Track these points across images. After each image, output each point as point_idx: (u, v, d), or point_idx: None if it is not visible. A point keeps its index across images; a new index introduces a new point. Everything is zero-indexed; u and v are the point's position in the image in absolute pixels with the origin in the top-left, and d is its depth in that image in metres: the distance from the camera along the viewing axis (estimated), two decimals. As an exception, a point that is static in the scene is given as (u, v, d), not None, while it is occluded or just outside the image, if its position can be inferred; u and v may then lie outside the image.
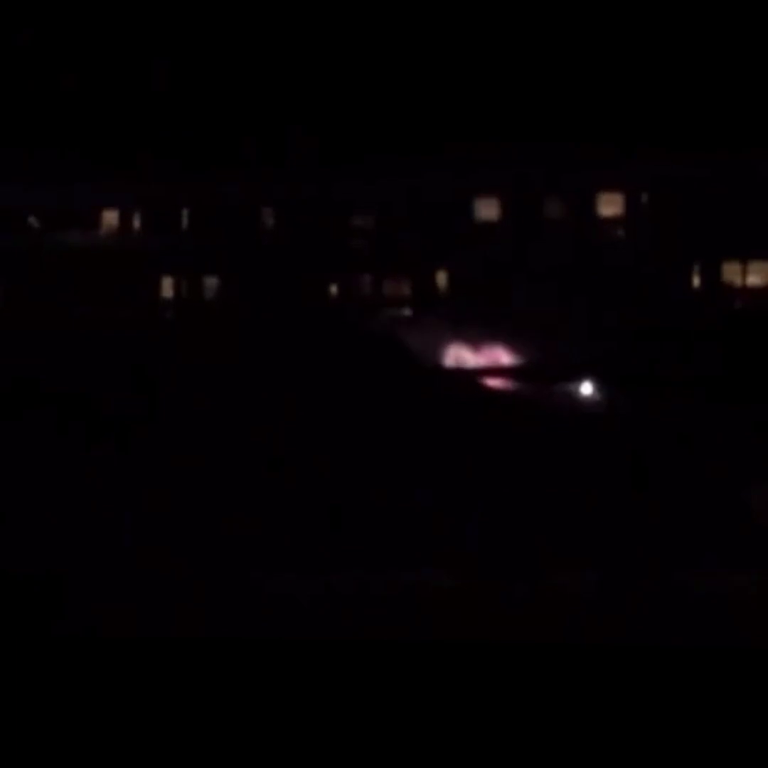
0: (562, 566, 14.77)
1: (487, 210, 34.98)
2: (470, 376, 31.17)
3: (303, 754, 8.03)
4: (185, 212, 35.70)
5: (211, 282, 35.43)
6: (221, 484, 19.00)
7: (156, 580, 14.07)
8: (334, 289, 34.93)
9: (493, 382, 31.06)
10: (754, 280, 34.51)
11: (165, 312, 34.84)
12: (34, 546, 15.51)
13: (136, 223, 35.74)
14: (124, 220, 35.72)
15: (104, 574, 14.46)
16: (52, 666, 9.34)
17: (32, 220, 35.31)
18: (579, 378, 31.23)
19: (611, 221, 34.31)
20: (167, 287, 35.54)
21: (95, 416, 22.38)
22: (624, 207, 34.78)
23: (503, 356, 33.30)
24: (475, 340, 33.13)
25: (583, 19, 32.70)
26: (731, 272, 34.64)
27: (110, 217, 35.66)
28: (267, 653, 9.53)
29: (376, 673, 9.11)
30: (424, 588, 14.52)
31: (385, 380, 27.43)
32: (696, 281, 34.73)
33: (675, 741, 8.04)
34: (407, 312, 34.48)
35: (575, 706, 8.46)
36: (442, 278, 34.35)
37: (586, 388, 31.36)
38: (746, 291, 34.04)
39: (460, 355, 32.43)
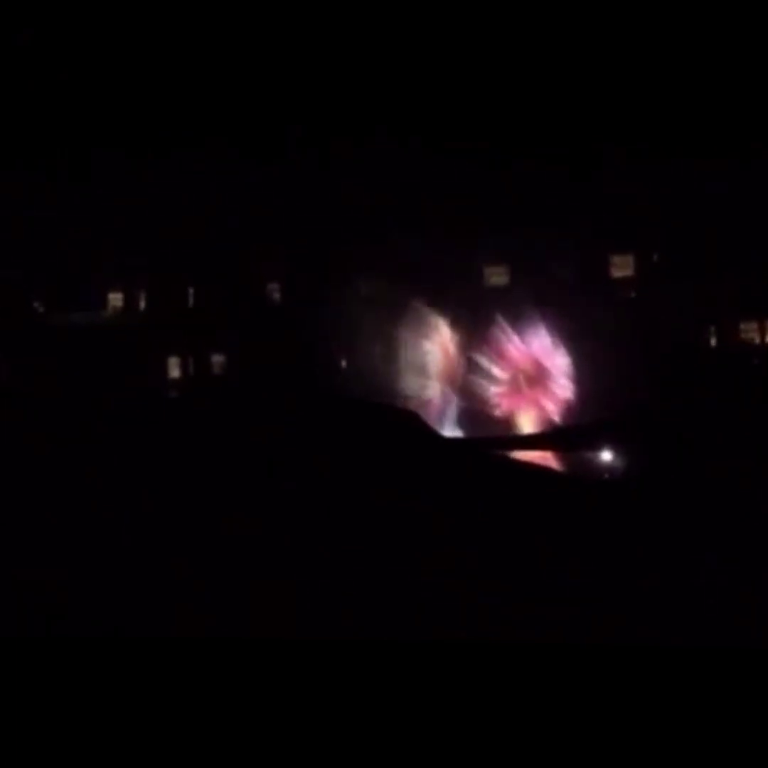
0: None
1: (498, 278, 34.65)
2: (486, 446, 30.51)
3: (303, 755, 7.36)
4: (191, 291, 35.41)
5: (217, 359, 34.99)
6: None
7: (156, 580, 13.52)
8: (344, 363, 34.38)
9: (510, 451, 30.40)
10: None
11: (172, 390, 34.33)
12: (33, 546, 15.03)
13: (142, 303, 35.44)
14: (130, 301, 35.44)
15: (104, 573, 13.91)
16: (52, 666, 8.74)
17: (37, 305, 35.07)
18: (599, 445, 30.51)
19: (623, 282, 33.86)
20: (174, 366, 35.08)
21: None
22: (634, 268, 34.35)
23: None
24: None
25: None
26: (749, 331, 34.02)
27: (115, 298, 35.40)
28: (267, 653, 8.91)
29: (376, 673, 8.45)
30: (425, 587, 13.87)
31: (402, 453, 26.79)
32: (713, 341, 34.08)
33: (674, 742, 7.32)
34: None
35: (575, 707, 7.73)
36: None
37: (606, 455, 30.61)
38: (765, 349, 33.37)
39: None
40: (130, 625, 10.84)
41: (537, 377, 33.29)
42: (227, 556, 15.34)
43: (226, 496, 20.54)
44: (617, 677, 7.52)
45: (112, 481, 19.94)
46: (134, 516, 17.35)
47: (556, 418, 33.06)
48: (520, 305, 32.70)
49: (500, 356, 33.47)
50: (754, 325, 33.95)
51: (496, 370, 33.48)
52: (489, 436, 31.95)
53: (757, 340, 33.91)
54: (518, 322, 33.37)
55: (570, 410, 32.13)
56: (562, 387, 33.06)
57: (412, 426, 27.89)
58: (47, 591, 12.52)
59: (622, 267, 34.56)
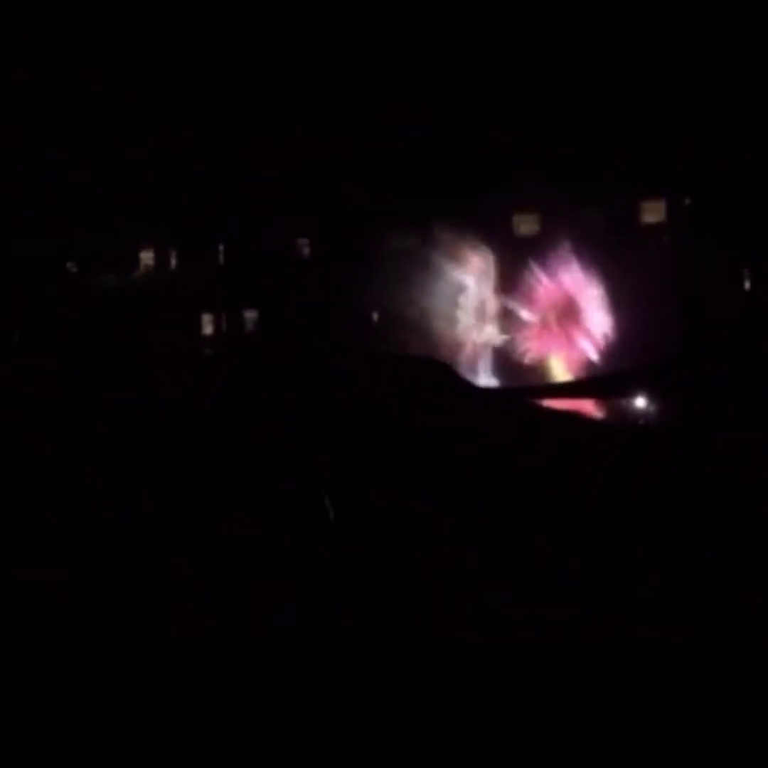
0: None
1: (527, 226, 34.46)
2: (520, 395, 30.52)
3: (303, 754, 7.53)
4: (221, 248, 35.47)
5: (250, 315, 35.11)
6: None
7: (156, 579, 13.74)
8: (375, 315, 34.42)
9: (545, 400, 30.38)
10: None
11: (206, 347, 34.53)
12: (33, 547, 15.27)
13: (173, 262, 35.56)
14: (161, 259, 35.56)
15: (103, 573, 14.14)
16: (52, 666, 8.92)
17: (70, 266, 35.26)
18: (632, 392, 30.44)
19: (655, 228, 33.57)
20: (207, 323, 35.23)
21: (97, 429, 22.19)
22: (667, 214, 34.03)
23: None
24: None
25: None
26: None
27: (146, 257, 35.52)
28: (267, 653, 9.07)
29: (376, 673, 8.59)
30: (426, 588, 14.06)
31: (433, 402, 26.86)
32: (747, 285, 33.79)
33: (673, 743, 7.43)
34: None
35: (575, 707, 7.86)
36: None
37: (640, 402, 30.55)
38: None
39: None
40: (130, 625, 10.95)
41: (571, 314, 33.17)
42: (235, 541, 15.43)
43: (257, 459, 20.70)
44: (617, 677, 7.58)
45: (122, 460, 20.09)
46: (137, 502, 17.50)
47: (593, 357, 32.96)
48: (551, 251, 32.56)
49: (533, 301, 33.39)
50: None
51: (530, 315, 33.40)
52: (523, 385, 31.94)
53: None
54: (550, 266, 33.24)
55: (607, 350, 32.00)
56: (598, 323, 32.93)
57: (446, 377, 27.95)
58: (47, 591, 12.62)
59: (653, 212, 34.26)
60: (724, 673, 7.90)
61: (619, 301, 32.37)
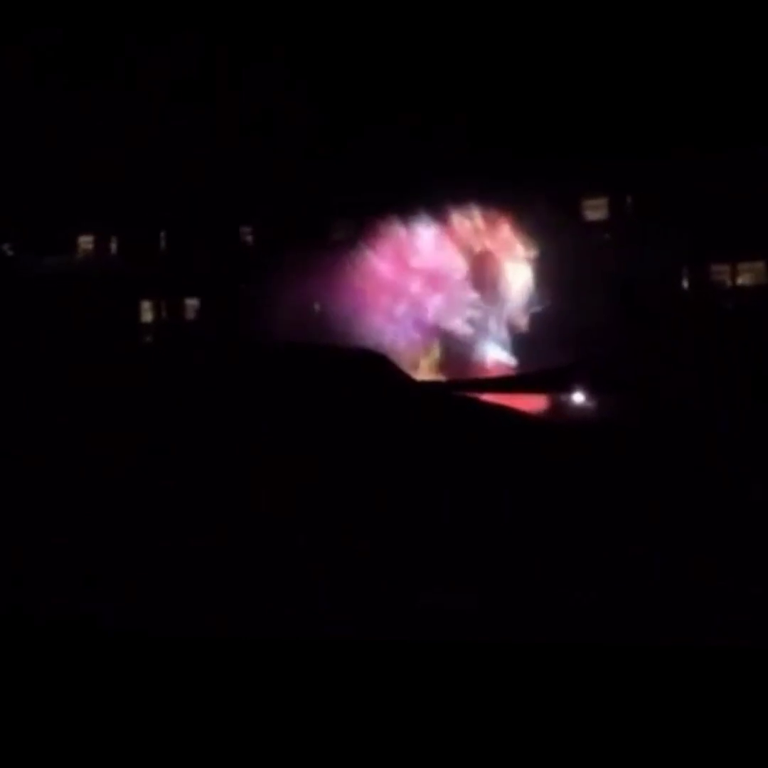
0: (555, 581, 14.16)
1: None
2: (457, 388, 30.54)
3: (303, 754, 7.45)
4: (163, 235, 35.12)
5: (191, 303, 34.81)
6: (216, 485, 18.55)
7: (157, 579, 13.57)
8: (317, 306, 34.28)
9: (482, 394, 30.41)
10: (744, 280, 33.96)
11: (144, 335, 34.19)
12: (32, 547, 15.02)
13: (113, 247, 35.15)
14: (100, 244, 35.13)
15: (102, 573, 13.94)
16: (53, 666, 8.79)
17: (6, 247, 34.72)
18: (570, 387, 30.57)
19: (597, 225, 33.80)
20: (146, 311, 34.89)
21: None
22: (609, 211, 34.28)
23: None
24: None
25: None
26: (721, 274, 34.08)
27: (85, 242, 35.07)
28: (267, 653, 8.98)
29: (376, 673, 8.52)
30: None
31: (372, 397, 26.74)
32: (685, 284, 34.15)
33: (674, 741, 7.41)
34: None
35: (575, 708, 7.82)
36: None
37: (578, 397, 30.68)
38: (737, 291, 33.47)
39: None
40: (134, 624, 10.84)
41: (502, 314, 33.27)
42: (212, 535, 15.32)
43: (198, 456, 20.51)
44: (617, 677, 7.56)
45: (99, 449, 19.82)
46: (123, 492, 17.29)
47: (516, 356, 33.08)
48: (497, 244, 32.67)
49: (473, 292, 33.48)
50: (726, 268, 34.01)
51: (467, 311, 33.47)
52: (460, 380, 31.95)
53: (729, 283, 33.99)
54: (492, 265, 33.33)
55: (538, 351, 32.18)
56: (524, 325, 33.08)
57: (379, 370, 27.80)
58: (49, 587, 12.49)
59: (596, 210, 34.48)
60: (724, 673, 7.88)
61: (558, 296, 32.54)
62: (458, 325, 33.24)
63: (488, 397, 29.39)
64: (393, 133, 32.44)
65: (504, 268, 33.26)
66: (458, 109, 32.43)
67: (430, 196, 32.89)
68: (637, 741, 6.90)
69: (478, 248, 33.16)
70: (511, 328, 33.36)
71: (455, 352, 33.19)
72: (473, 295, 33.15)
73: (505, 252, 33.21)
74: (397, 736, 6.92)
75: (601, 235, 33.65)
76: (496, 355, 33.07)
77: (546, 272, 32.82)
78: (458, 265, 33.24)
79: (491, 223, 33.31)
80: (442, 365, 33.46)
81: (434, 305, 33.09)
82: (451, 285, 33.11)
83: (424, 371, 32.73)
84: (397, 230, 33.21)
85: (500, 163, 31.58)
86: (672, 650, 8.31)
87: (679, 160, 32.09)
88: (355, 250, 33.01)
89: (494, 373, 32.72)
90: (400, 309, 33.47)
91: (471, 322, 33.25)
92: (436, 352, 33.31)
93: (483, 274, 33.40)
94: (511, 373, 32.57)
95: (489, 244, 32.98)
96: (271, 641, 8.78)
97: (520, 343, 32.87)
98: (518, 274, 33.36)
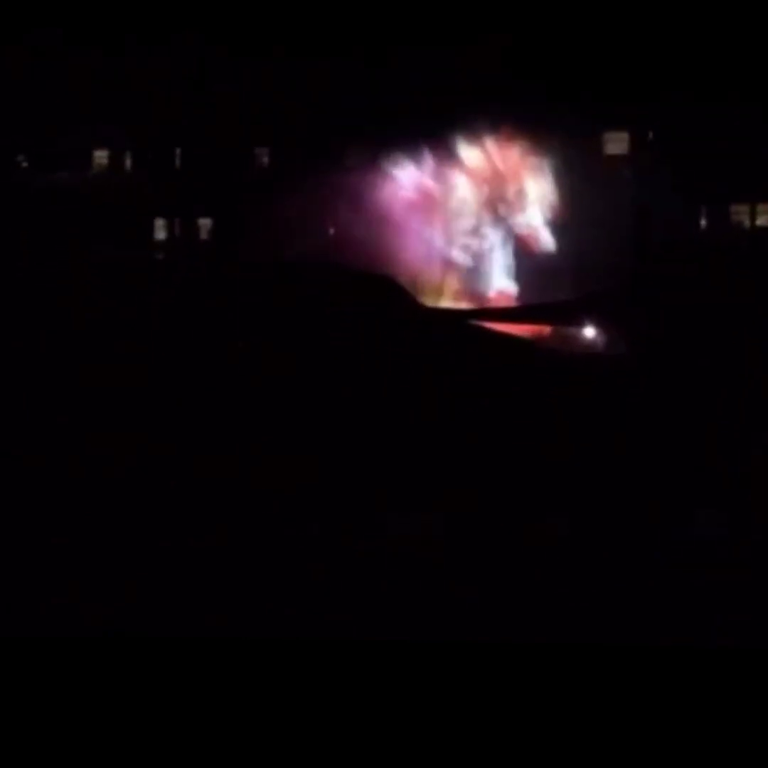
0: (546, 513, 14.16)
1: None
2: (468, 317, 30.45)
3: (303, 754, 7.51)
4: (178, 152, 34.84)
5: (204, 223, 34.62)
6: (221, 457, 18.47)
7: (158, 579, 13.61)
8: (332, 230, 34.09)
9: (492, 324, 30.32)
10: (762, 222, 33.62)
11: (158, 252, 34.09)
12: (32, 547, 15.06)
13: (127, 163, 34.92)
14: (115, 160, 34.89)
15: (102, 572, 13.99)
16: (52, 666, 8.87)
17: (21, 159, 34.51)
18: (581, 320, 30.45)
19: (617, 159, 33.40)
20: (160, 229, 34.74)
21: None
22: (630, 146, 33.86)
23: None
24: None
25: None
26: (740, 214, 33.73)
27: (100, 157, 34.84)
28: (267, 653, 9.05)
29: (376, 673, 8.58)
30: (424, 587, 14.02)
31: (383, 320, 26.71)
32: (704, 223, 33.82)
33: (671, 744, 7.44)
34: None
35: (575, 708, 7.86)
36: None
37: (589, 331, 30.58)
38: (755, 232, 33.15)
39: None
40: (130, 625, 10.82)
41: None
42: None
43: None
44: (614, 678, 7.54)
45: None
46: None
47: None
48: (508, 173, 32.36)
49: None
50: (745, 208, 33.65)
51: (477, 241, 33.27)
52: (472, 308, 31.86)
53: (747, 224, 33.66)
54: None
55: (548, 280, 32.01)
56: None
57: (392, 295, 27.77)
58: (47, 591, 12.45)
59: (616, 144, 34.06)
60: (724, 673, 7.89)
61: (572, 226, 32.27)
62: (459, 254, 33.02)
63: (497, 326, 29.33)
64: (411, 59, 32.06)
65: (515, 193, 32.94)
66: (478, 38, 31.96)
67: (447, 125, 32.56)
68: (637, 741, 6.89)
69: (488, 174, 32.82)
70: (522, 254, 33.10)
71: (462, 279, 33.02)
72: (474, 222, 32.87)
73: (516, 177, 32.89)
74: (397, 735, 6.95)
75: (621, 169, 33.27)
76: (499, 284, 32.84)
77: (562, 202, 32.50)
78: (465, 193, 32.96)
79: (506, 150, 32.96)
80: (456, 293, 33.33)
81: (439, 233, 32.87)
82: (452, 213, 32.82)
83: (438, 298, 32.60)
84: (412, 158, 32.91)
85: (523, 92, 31.22)
86: (672, 650, 8.30)
87: (702, 102, 31.68)
88: (370, 175, 32.75)
89: (497, 303, 32.52)
90: (413, 236, 33.26)
91: (472, 249, 33.02)
92: (450, 280, 33.15)
93: (491, 199, 33.11)
94: (515, 302, 32.37)
95: (502, 168, 32.67)
96: (271, 641, 8.82)
97: (529, 271, 32.62)
98: (531, 199, 33.03)
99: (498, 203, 33.18)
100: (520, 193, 32.98)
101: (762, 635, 10.50)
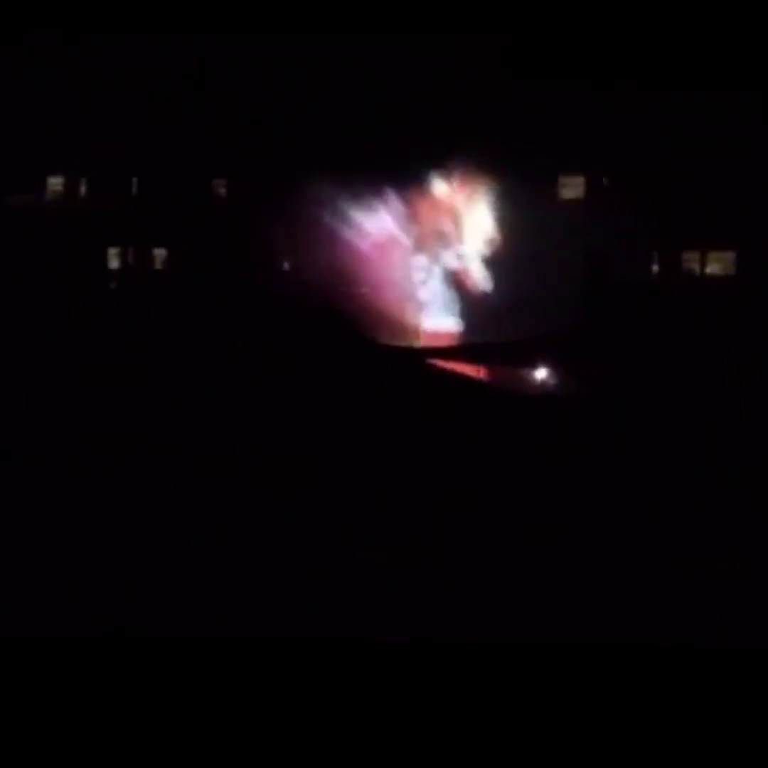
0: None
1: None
2: (418, 355, 30.52)
3: (303, 754, 7.45)
4: (134, 181, 34.69)
5: (159, 253, 34.46)
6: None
7: (158, 579, 13.49)
8: (286, 265, 34.07)
9: (444, 363, 30.42)
10: (712, 269, 34.16)
11: (111, 281, 33.83)
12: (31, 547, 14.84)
13: (82, 189, 34.69)
14: (70, 185, 34.65)
15: (102, 572, 13.82)
16: (52, 666, 8.72)
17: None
18: (534, 361, 30.62)
19: (572, 203, 33.80)
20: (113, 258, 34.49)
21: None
22: (585, 191, 34.28)
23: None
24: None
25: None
26: (691, 261, 34.26)
27: (55, 183, 34.59)
28: (267, 653, 8.97)
29: (376, 673, 8.52)
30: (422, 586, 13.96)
31: (334, 357, 26.70)
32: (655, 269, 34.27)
33: (671, 744, 7.45)
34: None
35: (575, 708, 7.85)
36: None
37: (541, 373, 30.74)
38: (705, 278, 33.69)
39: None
40: (130, 625, 10.73)
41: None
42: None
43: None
44: (613, 678, 7.57)
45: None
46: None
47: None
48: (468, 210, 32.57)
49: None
50: (696, 255, 34.20)
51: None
52: (422, 346, 31.93)
53: (698, 271, 34.20)
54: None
55: (502, 324, 32.16)
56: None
57: (337, 330, 27.78)
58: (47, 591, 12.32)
59: (572, 188, 34.47)
60: (724, 673, 7.91)
61: (521, 265, 32.51)
62: (407, 290, 33.12)
63: (445, 365, 29.39)
64: (371, 93, 32.26)
65: (463, 230, 33.14)
66: (439, 74, 32.23)
67: (406, 161, 32.74)
68: (637, 741, 6.91)
69: (441, 211, 33.02)
70: (463, 289, 33.18)
71: (410, 316, 33.10)
72: (427, 259, 33.03)
73: (468, 215, 33.09)
74: (397, 735, 6.93)
75: (574, 212, 33.67)
76: (437, 321, 32.85)
77: (512, 240, 32.77)
78: (420, 230, 33.12)
79: (459, 188, 33.19)
80: (409, 331, 33.40)
81: (395, 269, 32.98)
82: (403, 249, 32.95)
83: (394, 336, 32.65)
84: (371, 192, 33.04)
85: (481, 132, 31.49)
86: (672, 650, 8.35)
87: (658, 145, 32.17)
88: (327, 208, 32.81)
89: (437, 340, 32.54)
90: (370, 271, 33.34)
91: (424, 285, 33.13)
92: (407, 317, 33.21)
93: (441, 236, 33.29)
94: (454, 340, 32.40)
95: (453, 206, 32.88)
96: (271, 641, 8.79)
97: (472, 307, 32.68)
98: (479, 238, 33.23)
99: (447, 240, 33.40)
100: (470, 231, 33.22)
101: (762, 635, 10.63)
